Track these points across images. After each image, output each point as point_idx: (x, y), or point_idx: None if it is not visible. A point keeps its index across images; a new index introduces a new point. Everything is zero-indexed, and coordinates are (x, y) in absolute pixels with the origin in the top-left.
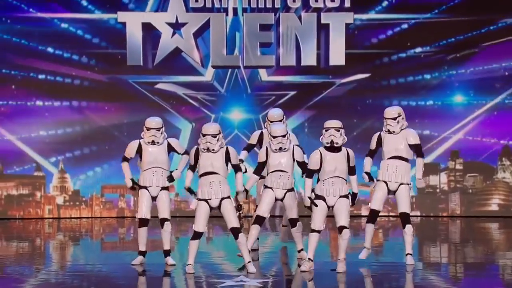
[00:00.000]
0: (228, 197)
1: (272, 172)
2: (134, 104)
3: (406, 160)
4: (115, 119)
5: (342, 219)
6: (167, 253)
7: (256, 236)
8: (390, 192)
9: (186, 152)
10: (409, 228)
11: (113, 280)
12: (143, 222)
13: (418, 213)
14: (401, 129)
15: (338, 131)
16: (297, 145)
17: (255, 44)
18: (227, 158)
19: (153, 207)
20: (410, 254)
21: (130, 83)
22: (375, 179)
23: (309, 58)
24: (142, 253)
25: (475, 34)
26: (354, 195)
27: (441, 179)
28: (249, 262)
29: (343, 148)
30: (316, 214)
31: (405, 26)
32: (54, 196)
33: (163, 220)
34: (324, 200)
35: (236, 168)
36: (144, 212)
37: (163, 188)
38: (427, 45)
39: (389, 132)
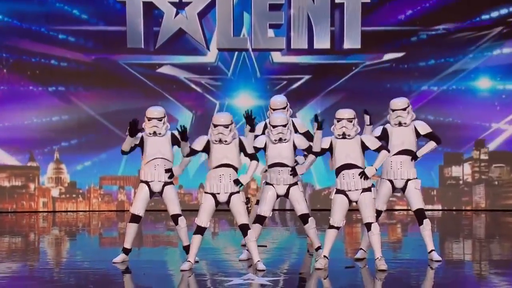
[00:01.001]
0: (238, 192)
1: (271, 166)
2: (134, 90)
3: (412, 153)
4: (114, 105)
5: (369, 215)
6: (187, 249)
7: (258, 235)
8: (395, 190)
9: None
10: (427, 223)
11: (113, 278)
12: (135, 218)
13: (440, 207)
14: (412, 120)
15: (351, 121)
16: (303, 132)
17: (264, 25)
18: (241, 149)
19: (156, 201)
20: (434, 250)
21: (130, 68)
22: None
23: (322, 41)
24: (126, 251)
25: (503, 14)
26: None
27: (465, 170)
28: (259, 261)
29: (356, 136)
30: (336, 209)
31: (426, 5)
32: (49, 188)
33: (176, 216)
34: (346, 195)
35: (252, 157)
36: (138, 208)
37: (167, 183)
38: (450, 25)
39: (399, 124)
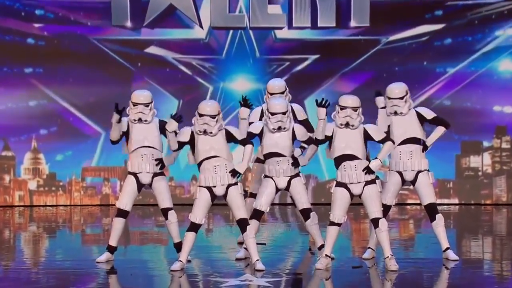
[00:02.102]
0: (236, 183)
1: (267, 156)
2: (117, 73)
3: (419, 142)
4: (97, 90)
5: (375, 210)
6: (178, 247)
7: (255, 231)
8: (405, 182)
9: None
10: (440, 218)
11: (96, 279)
12: (121, 213)
13: (456, 201)
14: (409, 109)
15: (356, 110)
16: (302, 120)
17: (263, 0)
18: (230, 139)
19: (144, 194)
20: (450, 248)
21: (115, 48)
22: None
23: (327, 18)
24: (111, 249)
25: None
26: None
27: (484, 160)
28: (257, 260)
29: (360, 125)
30: (336, 204)
31: None
32: (26, 180)
33: (166, 210)
34: (347, 188)
35: (245, 142)
36: (125, 202)
37: (157, 174)
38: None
39: (395, 113)
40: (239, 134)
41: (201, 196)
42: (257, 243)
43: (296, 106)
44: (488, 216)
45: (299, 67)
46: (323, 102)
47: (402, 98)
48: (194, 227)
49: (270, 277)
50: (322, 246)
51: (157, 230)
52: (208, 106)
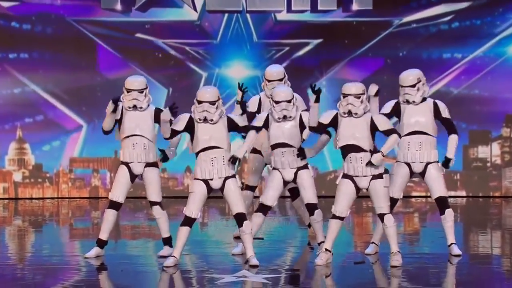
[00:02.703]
0: (233, 176)
1: (273, 147)
2: (108, 57)
3: (430, 135)
4: (86, 77)
5: (381, 205)
6: (166, 241)
7: (259, 226)
8: (413, 174)
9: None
10: (449, 213)
11: (85, 275)
12: (113, 205)
13: (464, 193)
14: (423, 97)
15: (359, 98)
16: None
17: None
18: (231, 128)
19: (135, 186)
20: (455, 243)
21: (101, 32)
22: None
23: (328, 0)
24: (101, 244)
25: None
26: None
27: (493, 151)
28: (252, 255)
29: (367, 113)
30: (340, 197)
31: None
32: (11, 172)
33: (151, 203)
34: (353, 181)
35: (247, 129)
36: (117, 194)
37: (150, 164)
38: None
39: (407, 102)
40: (242, 122)
41: (196, 189)
42: (254, 238)
43: (296, 96)
44: (497, 209)
45: (300, 53)
46: (313, 87)
47: (413, 86)
48: (189, 222)
49: (267, 273)
50: (323, 242)
51: (149, 224)
52: (207, 92)
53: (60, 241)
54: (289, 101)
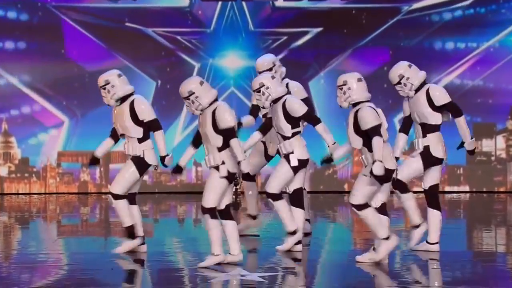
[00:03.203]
0: (216, 167)
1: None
2: (97, 47)
3: (434, 127)
4: (73, 67)
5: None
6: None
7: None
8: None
9: (155, 125)
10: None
11: (73, 274)
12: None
13: (467, 188)
14: (416, 90)
15: (341, 89)
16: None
17: None
18: (214, 123)
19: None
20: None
21: (87, 22)
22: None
23: None
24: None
25: None
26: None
27: (498, 144)
28: (214, 254)
29: (356, 107)
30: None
31: None
32: None
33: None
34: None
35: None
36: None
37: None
38: None
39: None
40: (223, 122)
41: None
42: (251, 235)
43: (293, 84)
44: (501, 205)
45: (299, 42)
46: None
47: (398, 83)
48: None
49: (263, 271)
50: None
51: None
52: (180, 87)
53: (47, 238)
54: (257, 90)
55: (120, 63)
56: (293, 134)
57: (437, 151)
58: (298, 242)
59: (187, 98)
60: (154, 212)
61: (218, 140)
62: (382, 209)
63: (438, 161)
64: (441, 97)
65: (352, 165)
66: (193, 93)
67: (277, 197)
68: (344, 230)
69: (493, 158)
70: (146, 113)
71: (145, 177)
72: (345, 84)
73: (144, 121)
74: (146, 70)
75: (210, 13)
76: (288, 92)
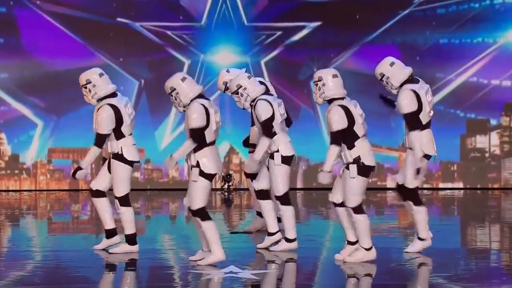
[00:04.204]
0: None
1: None
2: (90, 41)
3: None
4: (64, 62)
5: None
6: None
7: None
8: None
9: (97, 138)
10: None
11: (64, 272)
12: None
13: (461, 185)
14: (399, 89)
15: (317, 85)
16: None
17: None
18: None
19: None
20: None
21: (84, 17)
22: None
23: None
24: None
25: None
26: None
27: (491, 140)
28: (209, 250)
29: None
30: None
31: None
32: None
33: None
34: None
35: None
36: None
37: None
38: None
39: None
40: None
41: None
42: (243, 232)
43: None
44: (495, 202)
45: (295, 38)
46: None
47: (381, 80)
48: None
49: (255, 268)
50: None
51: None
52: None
53: (38, 235)
54: (235, 93)
55: (99, 60)
56: (274, 133)
57: (427, 148)
58: (276, 243)
59: (170, 94)
60: (146, 209)
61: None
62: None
63: (427, 158)
64: (404, 106)
65: None
66: (174, 89)
67: (285, 200)
68: (337, 227)
69: (487, 154)
70: (101, 125)
71: (137, 174)
72: (320, 80)
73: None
74: (127, 68)
75: (201, 6)
76: (267, 90)
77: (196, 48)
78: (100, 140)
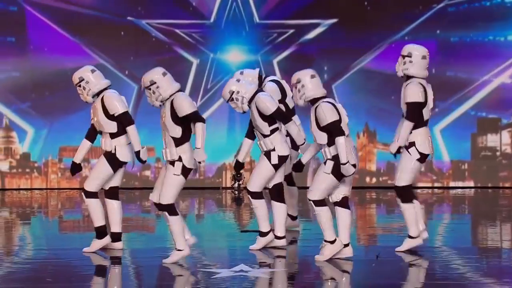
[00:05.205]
0: (172, 162)
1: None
2: (100, 40)
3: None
4: (75, 60)
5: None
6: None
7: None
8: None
9: (125, 118)
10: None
11: (75, 270)
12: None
13: (472, 184)
14: (406, 80)
15: (296, 87)
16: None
17: None
18: (172, 113)
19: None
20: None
21: (93, 14)
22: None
23: None
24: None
25: None
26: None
27: (503, 139)
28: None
29: (315, 104)
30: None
31: None
32: None
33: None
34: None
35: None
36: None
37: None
38: None
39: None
40: (181, 111)
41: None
42: (247, 231)
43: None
44: (506, 201)
45: (309, 36)
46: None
47: (404, 57)
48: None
49: (266, 267)
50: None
51: (143, 216)
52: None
53: (49, 234)
54: (230, 100)
55: (94, 62)
56: (272, 131)
57: (422, 147)
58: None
59: (148, 88)
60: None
61: (177, 131)
62: (344, 203)
63: (424, 158)
64: (411, 94)
65: None
66: (155, 83)
67: (258, 195)
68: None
69: (498, 153)
70: (116, 106)
71: (147, 172)
72: (299, 82)
73: (115, 115)
74: (131, 69)
75: (211, 2)
76: (259, 87)
77: (205, 46)
78: (127, 118)
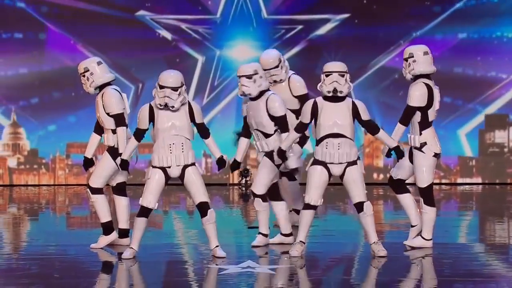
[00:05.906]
0: (193, 164)
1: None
2: (106, 38)
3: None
4: (82, 57)
5: (358, 193)
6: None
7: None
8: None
9: (118, 119)
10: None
11: (83, 266)
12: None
13: (479, 180)
14: (413, 79)
15: (343, 76)
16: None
17: None
18: (191, 117)
19: (136, 174)
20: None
21: (99, 11)
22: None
23: None
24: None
25: None
26: (395, 150)
27: (511, 135)
28: (217, 246)
29: (348, 99)
30: (313, 184)
31: None
32: (5, 157)
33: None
34: (326, 167)
35: (203, 130)
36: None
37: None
38: None
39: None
40: (200, 118)
41: (154, 177)
42: (253, 227)
43: (295, 78)
44: None
45: (319, 32)
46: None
47: (406, 59)
48: (145, 212)
49: (273, 263)
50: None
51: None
52: (170, 76)
53: (56, 230)
54: (245, 94)
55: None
56: (275, 131)
57: (432, 146)
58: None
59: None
60: (164, 204)
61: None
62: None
63: (437, 157)
64: (414, 98)
65: (363, 157)
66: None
67: (263, 198)
68: (355, 223)
69: (506, 149)
70: (113, 105)
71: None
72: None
73: (110, 114)
74: (135, 66)
75: None
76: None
77: (211, 42)
78: (120, 119)
